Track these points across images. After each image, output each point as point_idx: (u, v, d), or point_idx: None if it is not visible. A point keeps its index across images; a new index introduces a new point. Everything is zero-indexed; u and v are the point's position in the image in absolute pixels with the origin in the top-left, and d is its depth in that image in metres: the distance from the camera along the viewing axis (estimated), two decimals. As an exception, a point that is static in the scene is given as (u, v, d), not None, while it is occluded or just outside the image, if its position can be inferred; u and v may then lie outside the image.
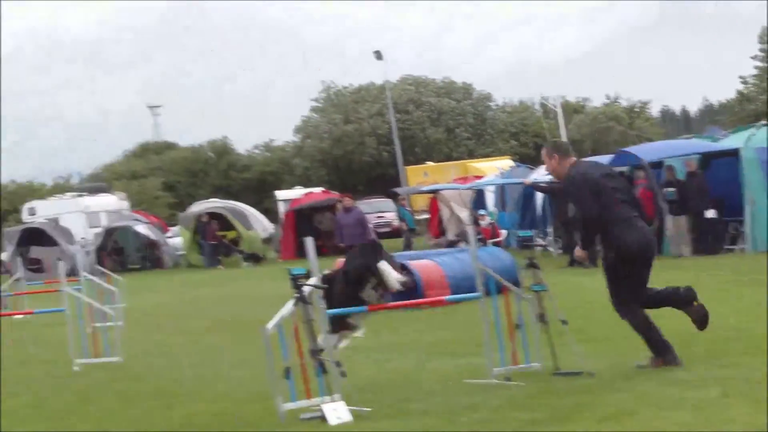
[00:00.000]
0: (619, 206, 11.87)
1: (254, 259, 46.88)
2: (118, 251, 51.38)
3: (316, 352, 10.82)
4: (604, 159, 31.21)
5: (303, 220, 47.95)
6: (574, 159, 12.34)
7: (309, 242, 11.54)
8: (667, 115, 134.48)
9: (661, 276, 22.32)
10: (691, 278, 21.16)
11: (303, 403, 10.94)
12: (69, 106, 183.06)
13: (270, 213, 71.37)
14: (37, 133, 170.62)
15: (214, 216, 49.13)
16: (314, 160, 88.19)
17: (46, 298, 28.03)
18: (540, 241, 34.36)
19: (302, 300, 10.83)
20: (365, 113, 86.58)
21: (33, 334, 20.53)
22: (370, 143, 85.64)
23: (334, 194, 51.10)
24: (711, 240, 28.03)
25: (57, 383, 14.80)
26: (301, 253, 45.16)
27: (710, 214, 27.66)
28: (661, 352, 11.88)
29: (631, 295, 12.01)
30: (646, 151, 31.73)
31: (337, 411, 10.48)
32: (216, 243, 47.56)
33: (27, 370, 16.48)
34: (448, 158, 79.91)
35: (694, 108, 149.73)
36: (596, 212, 11.72)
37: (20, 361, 17.70)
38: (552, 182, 29.35)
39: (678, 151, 30.21)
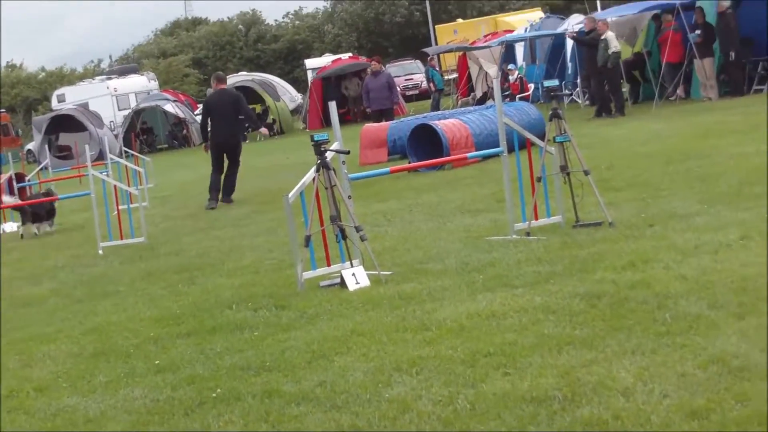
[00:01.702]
0: None
1: (270, 129, 46.63)
2: (146, 132, 51.34)
3: (336, 218, 10.74)
4: (640, 5, 30.66)
5: (330, 87, 47.56)
6: None
7: (332, 107, 11.41)
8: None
9: (690, 120, 22.38)
10: (719, 119, 20.98)
11: (323, 270, 10.94)
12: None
13: (299, 82, 71.25)
14: (67, 19, 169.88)
15: (242, 89, 48.84)
16: (345, 24, 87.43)
17: (72, 184, 28.21)
18: (567, 92, 34.00)
19: (324, 165, 10.71)
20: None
21: (58, 221, 20.56)
22: (402, 3, 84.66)
23: (362, 59, 50.64)
24: (736, 82, 27.53)
25: (81, 268, 14.83)
26: (327, 121, 45.04)
27: (731, 57, 27.13)
28: None
29: None
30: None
31: (356, 276, 10.43)
32: (242, 117, 47.28)
33: (51, 257, 16.50)
34: (480, 14, 78.97)
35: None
36: None
37: (44, 249, 17.73)
38: (584, 32, 28.90)
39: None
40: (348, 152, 11.32)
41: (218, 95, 21.37)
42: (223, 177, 20.82)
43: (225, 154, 21.08)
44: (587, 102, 32.60)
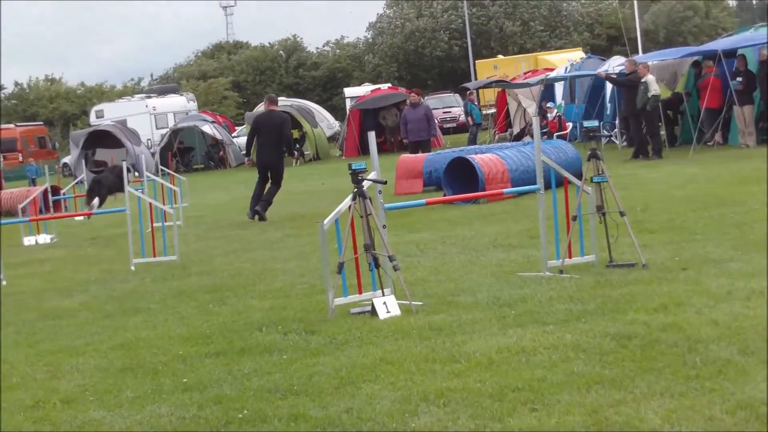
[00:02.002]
0: None
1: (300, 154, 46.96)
2: (183, 151, 51.54)
3: (370, 246, 10.75)
4: (682, 51, 30.70)
5: (368, 116, 47.68)
6: None
7: (371, 136, 11.43)
8: (743, 4, 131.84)
9: (727, 166, 22.32)
10: (756, 166, 20.92)
11: (354, 297, 10.94)
12: (141, 7, 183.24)
13: (337, 110, 71.47)
14: (109, 36, 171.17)
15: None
16: (385, 55, 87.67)
17: (107, 200, 28.35)
18: (605, 133, 33.99)
19: (361, 194, 10.73)
20: (439, 8, 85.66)
21: (92, 234, 20.66)
22: (442, 37, 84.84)
23: (402, 90, 50.76)
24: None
25: (112, 283, 14.89)
26: (363, 150, 45.15)
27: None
28: None
29: None
30: (722, 43, 30.98)
31: (387, 305, 10.43)
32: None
33: (83, 271, 16.58)
34: (521, 51, 79.08)
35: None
36: None
37: (76, 263, 17.81)
38: (624, 74, 28.91)
39: (752, 41, 29.45)
40: (385, 182, 11.34)
41: (267, 116, 21.74)
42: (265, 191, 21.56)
43: (269, 173, 21.74)
44: (624, 143, 32.55)
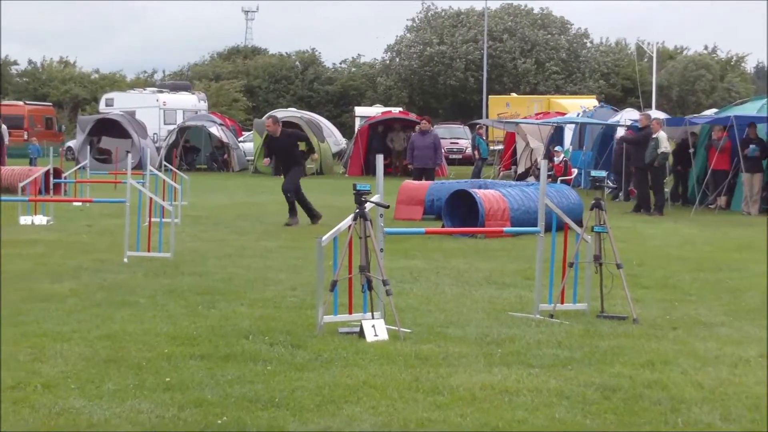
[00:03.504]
0: None
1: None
2: (188, 150, 51.54)
3: (365, 268, 10.77)
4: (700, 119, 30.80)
5: (376, 137, 47.74)
6: None
7: (379, 159, 11.44)
8: (761, 71, 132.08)
9: (726, 231, 22.36)
10: (755, 235, 20.97)
11: (343, 317, 10.94)
12: (164, 6, 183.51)
13: (345, 127, 71.56)
14: (129, 29, 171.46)
15: (289, 125, 49.01)
16: (399, 79, 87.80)
17: (107, 189, 28.38)
18: (611, 184, 34.03)
19: (362, 215, 10.75)
20: (460, 38, 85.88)
21: (89, 222, 20.63)
22: (458, 66, 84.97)
23: (412, 116, 50.83)
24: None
25: (104, 273, 14.88)
26: (368, 170, 45.18)
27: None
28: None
29: None
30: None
31: (375, 328, 10.44)
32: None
33: (75, 257, 16.57)
34: (534, 91, 79.25)
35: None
36: None
37: (69, 248, 17.80)
38: (640, 128, 28.86)
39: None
40: (388, 206, 11.36)
41: (278, 140, 23.35)
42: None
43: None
44: (622, 196, 32.70)
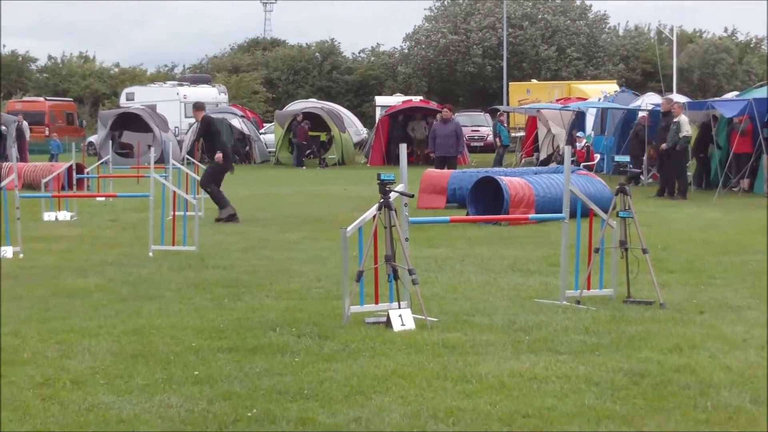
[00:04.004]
0: None
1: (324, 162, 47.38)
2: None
3: (391, 258, 10.77)
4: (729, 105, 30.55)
5: (397, 126, 47.68)
6: None
7: (402, 149, 11.43)
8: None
9: (749, 213, 22.28)
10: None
11: (370, 307, 10.96)
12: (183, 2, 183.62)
13: (366, 117, 71.50)
14: (148, 22, 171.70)
15: (310, 116, 49.06)
16: (418, 68, 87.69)
17: (129, 183, 28.43)
18: (633, 169, 33.83)
19: (387, 205, 10.75)
20: (475, 26, 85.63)
21: (113, 216, 20.67)
22: (475, 53, 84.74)
23: (433, 104, 50.74)
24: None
25: (129, 267, 14.92)
26: (389, 159, 45.11)
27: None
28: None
29: None
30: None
31: (402, 318, 10.44)
32: (305, 143, 47.47)
33: (100, 252, 16.63)
34: (555, 77, 79.02)
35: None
36: None
37: (94, 243, 17.85)
38: (662, 113, 28.70)
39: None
40: (412, 196, 11.37)
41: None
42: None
43: None
44: (650, 180, 32.49)
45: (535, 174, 23.44)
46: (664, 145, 27.35)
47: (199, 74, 73.97)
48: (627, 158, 13.14)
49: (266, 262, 15.35)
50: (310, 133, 47.98)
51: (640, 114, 34.89)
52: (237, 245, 17.44)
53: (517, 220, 19.38)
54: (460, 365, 8.74)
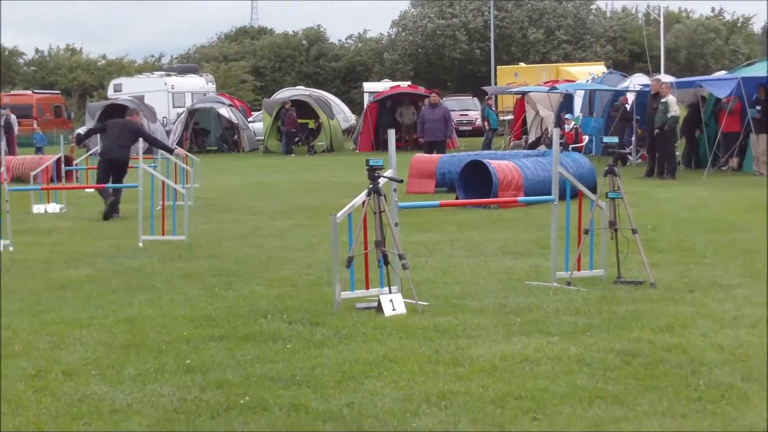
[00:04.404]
0: None
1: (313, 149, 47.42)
2: (198, 132, 51.46)
3: (381, 243, 10.77)
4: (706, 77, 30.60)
5: (385, 112, 47.64)
6: None
7: (390, 134, 11.43)
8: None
9: (738, 192, 22.32)
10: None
11: (360, 292, 10.95)
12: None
13: (354, 104, 71.44)
14: (134, 13, 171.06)
15: (298, 103, 48.98)
16: (405, 54, 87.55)
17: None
18: (626, 151, 33.85)
19: (376, 191, 10.75)
20: (459, 9, 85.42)
21: (102, 208, 20.61)
22: (461, 37, 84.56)
23: (421, 89, 50.73)
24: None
25: (119, 258, 14.90)
26: (378, 145, 45.10)
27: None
28: None
29: None
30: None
31: (393, 302, 10.45)
32: (294, 131, 47.42)
33: (90, 244, 16.60)
34: (543, 60, 78.95)
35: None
36: None
37: (84, 235, 17.82)
38: (652, 94, 28.72)
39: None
40: (401, 181, 11.37)
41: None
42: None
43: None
44: (638, 160, 32.51)
45: (524, 157, 23.45)
46: (657, 131, 27.38)
47: (187, 64, 73.80)
48: (615, 139, 13.16)
49: (257, 250, 15.35)
50: (299, 121, 47.91)
51: (633, 94, 34.92)
52: (227, 233, 17.44)
53: (506, 203, 19.39)
54: (451, 349, 8.75)
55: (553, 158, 11.96)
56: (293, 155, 45.55)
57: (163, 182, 18.05)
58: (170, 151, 22.71)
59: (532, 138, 42.99)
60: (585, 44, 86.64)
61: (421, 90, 49.74)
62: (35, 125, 52.82)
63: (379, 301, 10.46)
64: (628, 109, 35.02)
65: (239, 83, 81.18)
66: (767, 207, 18.39)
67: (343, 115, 57.81)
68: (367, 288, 11.03)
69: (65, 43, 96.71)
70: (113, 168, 20.92)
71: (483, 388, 7.53)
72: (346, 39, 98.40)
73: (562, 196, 11.99)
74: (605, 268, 12.02)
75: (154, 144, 21.77)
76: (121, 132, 20.99)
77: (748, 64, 34.42)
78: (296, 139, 48.04)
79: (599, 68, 55.70)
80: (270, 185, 28.22)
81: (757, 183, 25.01)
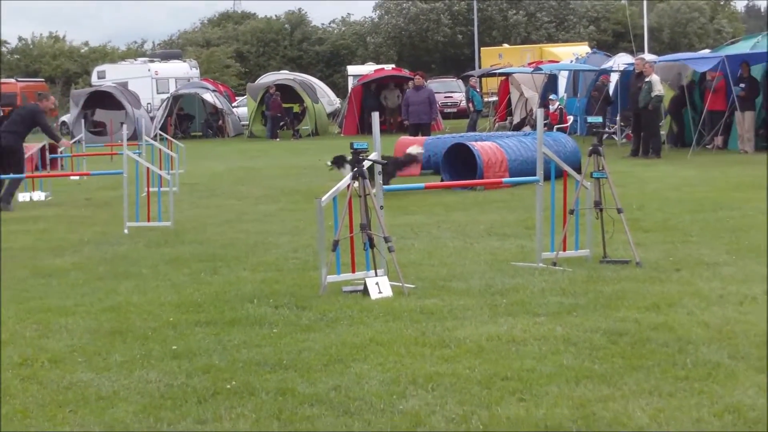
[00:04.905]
0: None
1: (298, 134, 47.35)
2: (182, 118, 51.40)
3: (366, 226, 10.77)
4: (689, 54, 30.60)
5: (370, 95, 47.60)
6: None
7: (375, 117, 11.39)
8: (752, 11, 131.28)
9: (724, 170, 22.35)
10: (752, 173, 20.97)
11: (346, 276, 10.94)
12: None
13: (338, 87, 71.34)
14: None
15: (283, 87, 48.89)
16: (388, 37, 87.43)
17: (103, 161, 28.34)
18: (610, 130, 33.89)
19: (361, 174, 10.73)
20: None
21: (88, 195, 20.59)
22: (444, 21, 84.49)
23: (405, 72, 50.69)
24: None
25: (105, 245, 14.86)
26: (363, 129, 45.06)
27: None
28: None
29: None
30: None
31: (379, 285, 10.45)
32: (279, 115, 47.34)
33: (76, 231, 16.55)
34: (526, 41, 78.88)
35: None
36: None
37: (69, 223, 17.78)
38: (637, 73, 28.72)
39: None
40: (386, 163, 11.35)
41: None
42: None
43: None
44: (624, 140, 32.53)
45: (507, 138, 23.46)
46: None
47: (170, 50, 73.69)
48: (599, 119, 13.16)
49: (242, 235, 15.32)
50: (283, 105, 47.82)
51: (617, 74, 34.96)
52: (213, 219, 17.41)
53: (491, 184, 19.40)
54: (438, 330, 8.76)
55: (538, 139, 11.96)
56: (278, 140, 45.48)
57: (148, 168, 18.01)
58: (57, 139, 22.38)
59: (516, 119, 43.00)
60: (568, 25, 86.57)
61: (405, 73, 49.70)
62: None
63: (365, 285, 10.46)
64: (610, 90, 35.05)
65: (223, 68, 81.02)
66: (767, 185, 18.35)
67: (328, 98, 57.82)
68: (354, 271, 11.03)
69: (48, 31, 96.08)
70: (3, 155, 20.60)
71: (469, 370, 7.53)
72: (330, 23, 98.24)
73: (547, 177, 11.99)
74: (591, 248, 12.04)
75: (45, 131, 21.55)
76: (21, 118, 20.89)
77: (732, 43, 34.47)
78: (281, 124, 47.93)
79: (583, 48, 55.75)
80: (255, 170, 28.17)
81: (743, 161, 25.06)
